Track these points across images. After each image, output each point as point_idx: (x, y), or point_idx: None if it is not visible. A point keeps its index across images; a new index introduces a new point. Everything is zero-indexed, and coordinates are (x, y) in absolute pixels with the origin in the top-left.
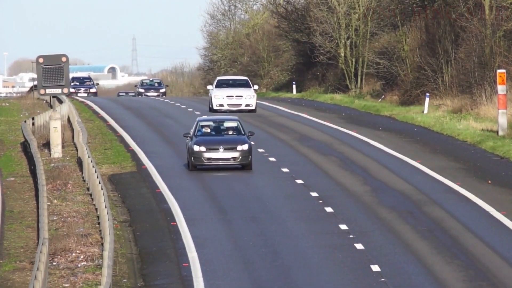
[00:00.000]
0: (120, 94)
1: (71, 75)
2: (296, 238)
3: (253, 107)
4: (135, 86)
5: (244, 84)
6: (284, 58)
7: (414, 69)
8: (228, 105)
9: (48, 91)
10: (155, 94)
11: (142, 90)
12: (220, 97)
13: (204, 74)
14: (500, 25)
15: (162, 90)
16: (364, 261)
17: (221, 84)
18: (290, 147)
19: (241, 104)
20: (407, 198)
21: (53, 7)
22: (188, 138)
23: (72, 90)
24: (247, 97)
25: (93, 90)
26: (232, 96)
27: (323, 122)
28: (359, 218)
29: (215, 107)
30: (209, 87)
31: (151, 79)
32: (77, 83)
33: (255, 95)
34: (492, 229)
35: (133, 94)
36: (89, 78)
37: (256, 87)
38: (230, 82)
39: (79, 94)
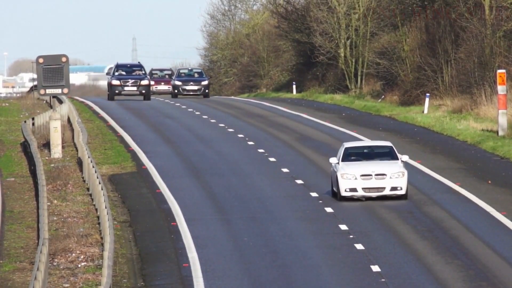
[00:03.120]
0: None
1: (116, 62)
2: (296, 238)
3: (403, 191)
4: (167, 76)
5: (387, 153)
6: (284, 58)
7: (414, 69)
8: (364, 189)
9: (48, 91)
10: (195, 88)
11: (179, 83)
12: (352, 177)
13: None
14: (500, 25)
15: (205, 83)
16: (364, 261)
17: (350, 155)
18: (290, 147)
19: (384, 188)
20: (407, 198)
21: (53, 7)
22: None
23: (115, 82)
24: (394, 176)
25: (145, 82)
26: (371, 176)
27: (323, 122)
28: (359, 218)
29: (344, 193)
30: (332, 160)
31: (189, 68)
32: (123, 73)
33: (405, 171)
34: (492, 229)
35: (166, 88)
36: (140, 66)
37: (406, 157)
38: (365, 151)
39: (126, 88)
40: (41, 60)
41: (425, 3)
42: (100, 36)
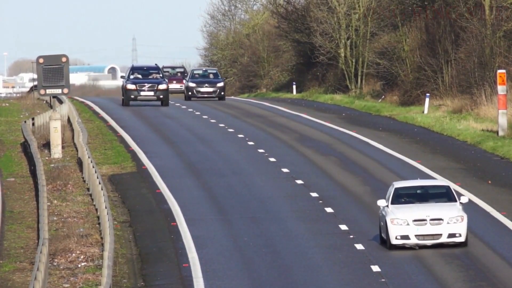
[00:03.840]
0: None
1: (131, 64)
2: (296, 238)
3: (462, 239)
4: (178, 73)
5: (444, 194)
6: (284, 59)
7: (414, 69)
8: (417, 236)
9: (48, 91)
10: (210, 90)
11: (193, 85)
12: (403, 222)
13: None
14: (500, 25)
15: (220, 85)
16: (364, 261)
17: (400, 197)
18: (290, 147)
19: (440, 235)
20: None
21: (53, 7)
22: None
23: (131, 86)
24: (452, 220)
25: (163, 86)
26: (425, 221)
27: (323, 122)
28: (359, 218)
29: (394, 241)
30: (380, 202)
31: (204, 69)
32: (139, 76)
33: (465, 216)
34: (492, 229)
35: (178, 87)
36: (157, 69)
37: (466, 199)
38: (419, 192)
39: (142, 93)
40: (41, 60)
41: (425, 3)
42: (100, 36)
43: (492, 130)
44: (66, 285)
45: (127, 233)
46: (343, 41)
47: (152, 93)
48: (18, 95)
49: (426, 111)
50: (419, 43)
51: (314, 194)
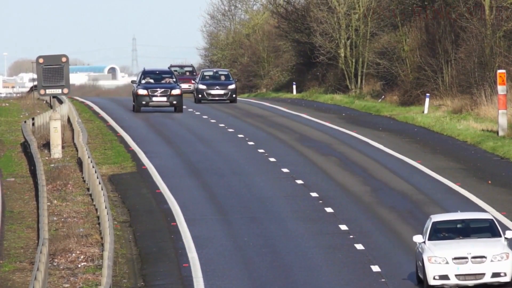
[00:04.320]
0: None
1: (143, 67)
2: (296, 238)
3: (507, 278)
4: (187, 73)
5: (487, 229)
6: (284, 59)
7: (414, 70)
8: (458, 276)
9: (48, 91)
10: (221, 92)
11: (203, 87)
12: (442, 260)
13: None
14: (500, 25)
15: (232, 87)
16: (364, 261)
17: (439, 231)
18: (290, 147)
19: (483, 274)
20: (407, 198)
21: (53, 7)
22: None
23: (142, 91)
24: (496, 258)
25: (176, 91)
26: (466, 259)
27: (323, 122)
28: (359, 218)
29: (432, 281)
30: (416, 238)
31: (214, 70)
32: (151, 80)
33: (510, 252)
34: None
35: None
36: (170, 73)
37: (511, 233)
38: (459, 226)
39: (154, 99)
40: (41, 60)
41: (425, 3)
42: (100, 36)
43: (492, 130)
44: (66, 285)
45: (127, 233)
46: (343, 41)
47: (165, 98)
48: (18, 95)
49: (426, 111)
50: (419, 43)
51: (314, 194)
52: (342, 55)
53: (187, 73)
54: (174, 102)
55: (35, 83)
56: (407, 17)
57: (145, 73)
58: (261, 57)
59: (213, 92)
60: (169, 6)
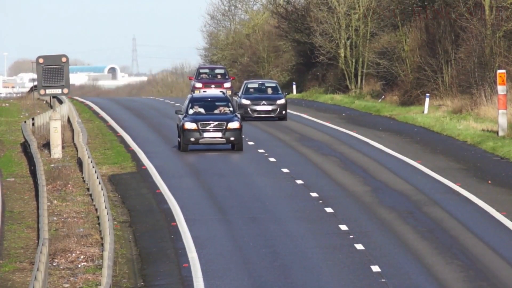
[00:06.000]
0: None
1: (190, 95)
2: (296, 239)
3: None
4: (218, 76)
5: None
6: (284, 59)
7: (414, 70)
8: None
9: (48, 91)
10: (269, 108)
11: (247, 102)
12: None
13: None
14: (500, 25)
15: (281, 102)
16: (364, 261)
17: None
18: (290, 147)
19: None
20: (407, 198)
21: (53, 7)
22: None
23: (190, 125)
24: None
25: (234, 124)
26: None
27: (323, 122)
28: (359, 218)
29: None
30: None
31: (260, 81)
32: (202, 110)
33: None
34: (492, 230)
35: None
36: (226, 100)
37: None
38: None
39: (206, 135)
40: (41, 60)
41: (425, 3)
42: (100, 36)
43: (492, 130)
44: (66, 285)
45: (127, 233)
46: (343, 41)
47: (219, 134)
48: (18, 95)
49: (426, 111)
50: (419, 43)
51: (314, 194)
52: (342, 55)
53: (219, 76)
54: (232, 138)
55: (35, 83)
56: (407, 17)
57: (193, 101)
58: (261, 57)
59: (258, 108)
60: (169, 6)
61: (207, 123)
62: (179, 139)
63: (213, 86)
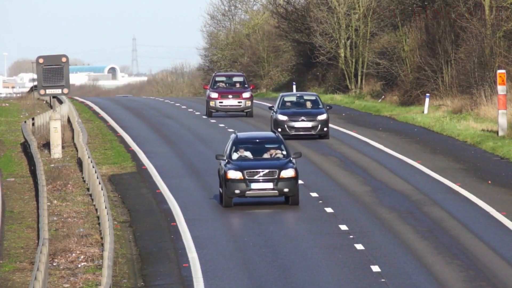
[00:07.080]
0: None
1: (234, 136)
2: (296, 238)
3: None
4: (237, 84)
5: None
6: (284, 59)
7: (414, 70)
8: None
9: (48, 91)
10: (309, 125)
11: (284, 118)
12: None
13: (204, 75)
14: (500, 25)
15: (322, 117)
16: (364, 261)
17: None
18: (290, 147)
19: None
20: (407, 198)
21: (53, 8)
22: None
23: (234, 174)
24: None
25: (289, 172)
26: None
27: None
28: (359, 218)
29: None
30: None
31: (298, 94)
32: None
33: None
34: (492, 230)
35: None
36: (278, 141)
37: None
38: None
39: (254, 186)
40: (41, 60)
41: (425, 3)
42: (100, 36)
43: (492, 130)
44: (66, 285)
45: (127, 233)
46: (343, 41)
47: (270, 185)
48: (18, 95)
49: (426, 111)
50: (419, 43)
51: (314, 194)
52: (342, 55)
53: (237, 85)
54: (285, 190)
55: (35, 83)
56: (407, 17)
57: (238, 143)
58: (261, 57)
59: (297, 125)
60: (169, 6)
61: (255, 172)
62: (220, 190)
63: (230, 96)
